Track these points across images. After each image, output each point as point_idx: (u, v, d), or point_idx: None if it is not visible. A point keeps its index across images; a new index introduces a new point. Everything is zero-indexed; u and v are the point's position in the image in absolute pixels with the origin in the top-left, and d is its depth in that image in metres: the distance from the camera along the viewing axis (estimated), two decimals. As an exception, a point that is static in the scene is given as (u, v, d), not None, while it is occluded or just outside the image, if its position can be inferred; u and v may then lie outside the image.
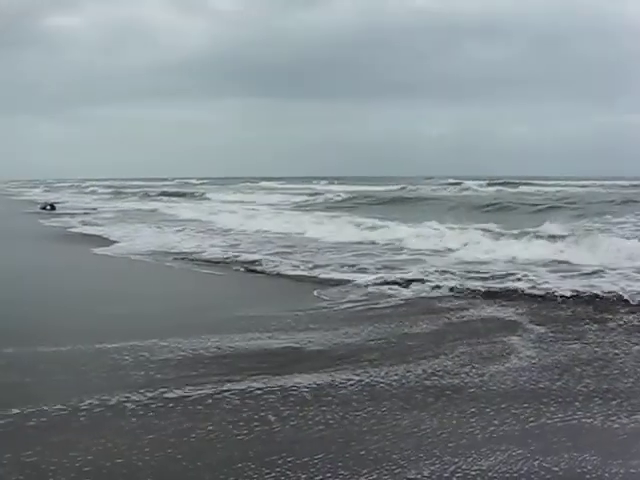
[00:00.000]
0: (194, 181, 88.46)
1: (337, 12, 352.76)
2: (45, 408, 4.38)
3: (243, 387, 4.84)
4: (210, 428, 4.12)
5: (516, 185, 48.34)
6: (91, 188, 62.58)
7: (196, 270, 11.10)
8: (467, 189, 45.86)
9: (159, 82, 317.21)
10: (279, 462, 3.66)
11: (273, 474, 3.53)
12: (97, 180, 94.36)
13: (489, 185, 49.06)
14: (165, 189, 54.82)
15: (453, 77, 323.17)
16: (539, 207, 25.77)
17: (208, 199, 41.34)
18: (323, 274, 10.15)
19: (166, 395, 4.66)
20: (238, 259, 11.87)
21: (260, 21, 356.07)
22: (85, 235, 17.41)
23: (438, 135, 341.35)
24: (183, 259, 12.23)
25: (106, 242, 15.25)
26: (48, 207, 30.49)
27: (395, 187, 49.88)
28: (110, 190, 56.18)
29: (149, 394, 4.67)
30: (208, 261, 11.93)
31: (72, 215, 25.90)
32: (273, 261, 11.43)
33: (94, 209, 30.91)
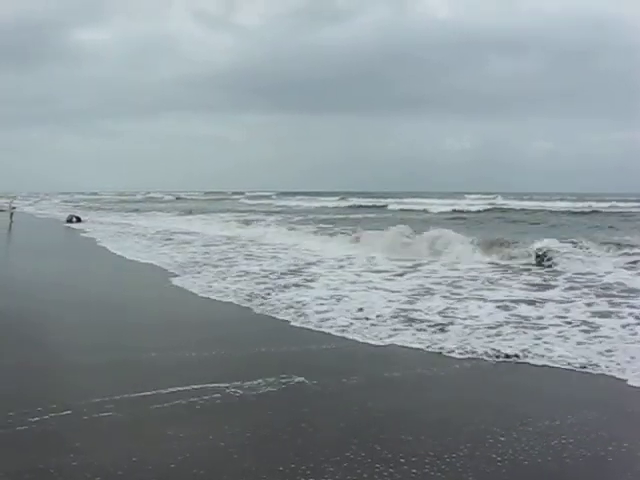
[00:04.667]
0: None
1: (360, 28, 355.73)
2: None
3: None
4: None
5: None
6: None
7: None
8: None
9: (185, 97, 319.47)
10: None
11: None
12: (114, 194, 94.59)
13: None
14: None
15: (477, 92, 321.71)
16: None
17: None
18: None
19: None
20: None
21: (285, 37, 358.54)
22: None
23: (462, 150, 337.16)
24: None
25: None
26: (74, 219, 30.77)
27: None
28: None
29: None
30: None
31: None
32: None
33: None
